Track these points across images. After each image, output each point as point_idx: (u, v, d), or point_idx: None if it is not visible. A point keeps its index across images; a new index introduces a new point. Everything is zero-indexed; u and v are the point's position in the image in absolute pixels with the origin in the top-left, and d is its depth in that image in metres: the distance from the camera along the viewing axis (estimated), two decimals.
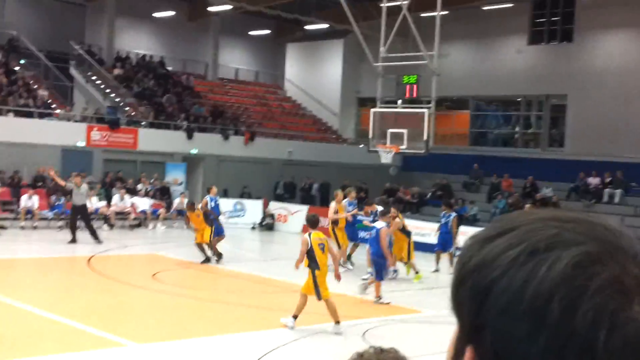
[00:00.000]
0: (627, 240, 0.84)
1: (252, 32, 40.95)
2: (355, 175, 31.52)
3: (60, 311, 12.08)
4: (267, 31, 41.26)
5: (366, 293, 14.73)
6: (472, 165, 31.97)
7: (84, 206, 20.92)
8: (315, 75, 39.73)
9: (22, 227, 23.60)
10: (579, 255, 0.80)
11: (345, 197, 19.72)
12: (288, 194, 31.85)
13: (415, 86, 24.95)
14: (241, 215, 28.63)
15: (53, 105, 29.30)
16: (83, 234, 21.75)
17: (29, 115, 27.37)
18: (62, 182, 21.86)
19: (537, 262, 0.81)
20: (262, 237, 26.91)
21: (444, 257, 18.91)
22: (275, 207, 29.03)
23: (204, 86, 37.29)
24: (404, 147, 24.66)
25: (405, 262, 17.70)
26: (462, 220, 21.87)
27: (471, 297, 0.85)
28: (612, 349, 0.77)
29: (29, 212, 23.95)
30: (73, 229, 20.85)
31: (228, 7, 34.36)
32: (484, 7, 33.10)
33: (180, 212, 24.97)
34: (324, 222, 19.35)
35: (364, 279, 16.97)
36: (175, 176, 29.48)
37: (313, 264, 11.61)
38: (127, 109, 31.17)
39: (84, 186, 21.04)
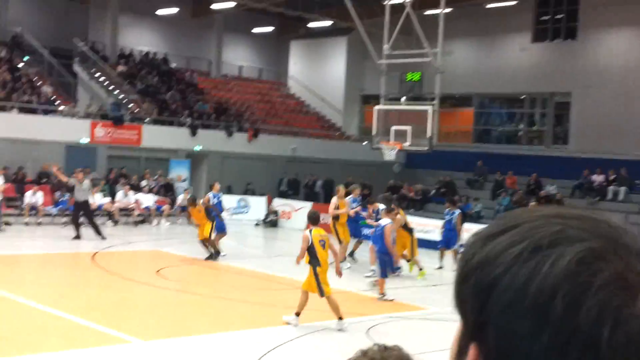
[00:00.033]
0: (631, 237, 0.84)
1: (255, 30, 40.94)
2: (358, 172, 31.50)
3: (65, 307, 12.10)
4: (271, 28, 41.25)
5: (375, 285, 14.66)
6: (476, 162, 31.95)
7: (86, 202, 20.93)
8: (319, 73, 39.72)
9: (27, 223, 23.66)
10: (583, 251, 0.81)
11: (349, 193, 19.72)
12: (292, 190, 31.87)
13: (417, 83, 24.94)
14: (245, 211, 28.66)
15: (57, 102, 29.33)
16: (87, 230, 21.78)
17: (33, 111, 27.42)
18: (64, 178, 21.90)
19: (541, 259, 0.81)
20: (265, 234, 26.94)
21: (448, 254, 18.91)
22: (279, 203, 29.05)
23: (207, 83, 37.30)
24: (407, 144, 24.66)
25: (409, 259, 17.71)
26: (466, 217, 21.86)
27: (474, 294, 0.85)
28: (616, 346, 0.78)
29: (33, 208, 24.00)
30: (76, 225, 20.87)
31: (232, 4, 34.35)
32: (488, 4, 33.06)
33: (184, 209, 25.00)
34: (328, 218, 19.40)
35: (367, 276, 17.00)
36: (179, 173, 29.51)
37: (314, 260, 11.63)
38: (130, 105, 31.19)
39: (86, 182, 21.05)
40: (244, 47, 41.70)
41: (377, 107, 26.08)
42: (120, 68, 33.44)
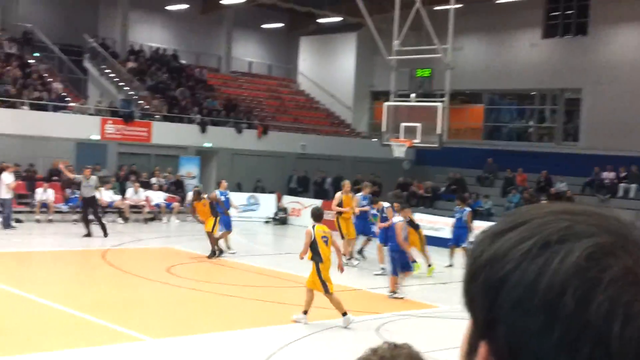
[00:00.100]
0: (639, 232, 0.85)
1: (265, 25, 40.93)
2: (368, 169, 31.50)
3: (75, 305, 12.15)
4: (281, 24, 41.22)
5: (399, 291, 14.46)
6: (486, 159, 31.85)
7: (93, 198, 21.00)
8: (329, 69, 39.68)
9: (38, 221, 23.75)
10: (592, 247, 0.80)
11: (359, 190, 19.71)
12: (301, 187, 31.86)
13: (427, 80, 24.87)
14: (254, 209, 28.68)
15: (67, 98, 29.42)
16: (97, 227, 21.86)
17: (44, 108, 27.50)
18: (70, 175, 21.99)
19: (550, 255, 0.81)
20: (275, 231, 26.96)
21: (458, 251, 18.86)
22: (288, 201, 29.06)
23: (217, 79, 37.32)
24: (417, 141, 24.61)
25: (413, 261, 17.65)
26: (476, 214, 21.80)
27: (484, 292, 0.84)
28: (627, 341, 0.77)
29: (44, 205, 24.08)
30: (86, 222, 20.95)
31: (241, 0, 34.35)
32: (498, 0, 32.93)
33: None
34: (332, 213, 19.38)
35: (376, 274, 17.00)
36: (188, 169, 29.55)
37: (316, 257, 11.64)
38: (140, 102, 31.26)
39: (93, 178, 21.11)
40: (254, 43, 41.70)
41: (386, 104, 26.03)
42: (130, 64, 33.50)
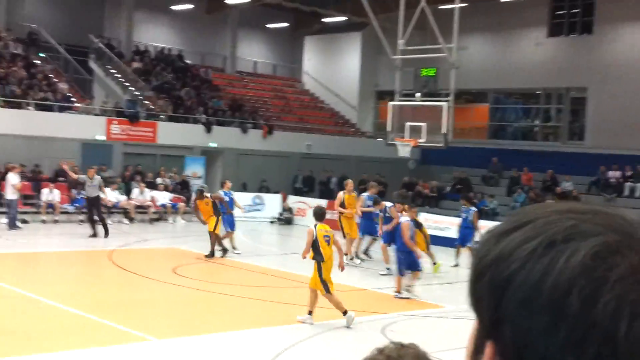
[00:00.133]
0: None
1: (270, 25, 40.95)
2: (373, 169, 31.50)
3: (81, 305, 12.17)
4: (285, 24, 41.23)
5: (411, 292, 14.38)
6: (491, 158, 31.81)
7: (98, 197, 21.05)
8: (334, 68, 39.67)
9: (44, 221, 23.79)
10: (598, 246, 0.80)
11: (364, 190, 19.69)
12: (307, 187, 31.85)
13: (432, 79, 24.84)
14: (260, 209, 28.68)
15: (73, 99, 29.47)
16: (99, 227, 21.92)
17: (49, 108, 27.55)
18: (74, 176, 22.04)
19: (555, 254, 0.81)
20: (280, 231, 26.96)
21: (464, 251, 18.84)
22: (293, 201, 29.06)
23: (222, 79, 37.35)
24: (422, 140, 24.59)
25: (434, 262, 17.64)
26: (481, 214, 21.77)
27: (489, 292, 0.84)
28: (633, 340, 0.77)
29: (50, 205, 24.13)
30: (92, 222, 21.00)
31: None
32: None
33: None
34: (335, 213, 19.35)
35: (382, 274, 16.98)
36: (194, 170, 29.58)
37: (318, 256, 11.65)
38: (146, 102, 31.30)
39: (97, 178, 21.16)
40: (259, 43, 41.72)
41: (391, 103, 26.01)
42: (136, 64, 33.55)
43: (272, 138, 32.25)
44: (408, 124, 24.82)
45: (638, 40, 30.36)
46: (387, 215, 17.74)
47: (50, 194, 24.12)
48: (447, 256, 19.10)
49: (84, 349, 9.81)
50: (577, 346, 0.78)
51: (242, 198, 27.58)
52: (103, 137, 27.89)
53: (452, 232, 21.24)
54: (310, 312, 11.74)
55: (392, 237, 17.11)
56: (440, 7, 27.95)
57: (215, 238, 18.23)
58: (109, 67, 32.90)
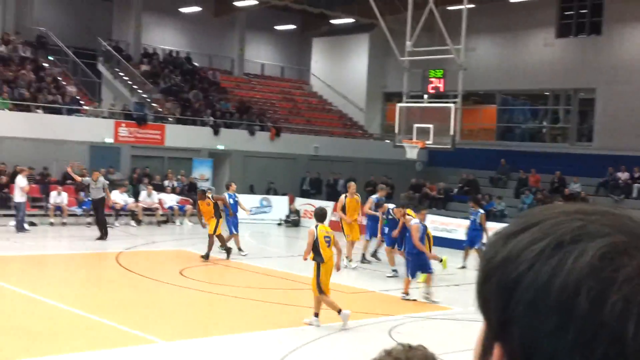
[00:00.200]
0: None
1: (277, 27, 41.00)
2: (381, 171, 31.47)
3: (89, 307, 12.19)
4: (293, 26, 41.27)
5: (431, 297, 14.27)
6: (499, 160, 31.73)
7: (102, 199, 21.13)
8: (341, 70, 39.67)
9: (52, 224, 23.85)
10: (605, 246, 0.80)
11: (373, 192, 19.66)
12: (314, 189, 31.84)
13: (439, 80, 24.80)
14: (267, 211, 28.69)
15: (81, 102, 29.57)
16: (112, 230, 21.96)
17: (58, 111, 27.64)
18: (78, 178, 22.15)
19: (563, 255, 0.80)
20: (287, 233, 26.94)
21: (472, 253, 18.78)
22: (301, 203, 29.05)
23: (230, 82, 37.41)
24: (430, 142, 24.54)
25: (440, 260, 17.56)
26: (489, 215, 21.71)
27: (497, 293, 0.84)
28: None
29: (58, 208, 24.19)
30: (102, 225, 21.06)
31: (254, 2, 34.43)
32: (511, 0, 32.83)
33: None
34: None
35: (388, 277, 16.96)
36: (201, 172, 29.62)
37: (318, 257, 11.63)
38: (154, 105, 31.37)
39: (101, 180, 21.26)
40: (266, 45, 41.77)
41: (399, 105, 25.97)
42: (144, 67, 33.64)
43: (280, 140, 32.26)
44: (416, 125, 24.78)
45: None
46: (390, 217, 17.72)
47: (59, 197, 24.19)
48: (454, 258, 19.05)
49: (91, 350, 9.83)
50: (585, 347, 0.78)
51: (250, 200, 27.61)
52: (111, 140, 27.97)
53: (460, 234, 21.19)
54: (316, 314, 11.73)
55: (396, 239, 17.14)
56: (448, 8, 27.91)
57: (213, 241, 18.12)
58: (117, 69, 33.00)
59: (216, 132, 30.59)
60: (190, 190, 28.18)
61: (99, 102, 31.04)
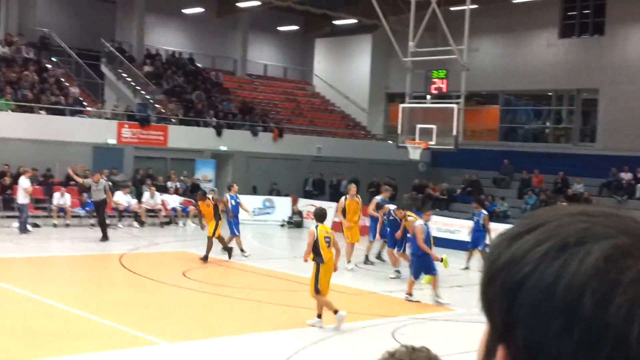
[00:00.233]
0: None
1: (280, 28, 41.02)
2: (384, 172, 31.46)
3: (92, 309, 12.20)
4: (296, 27, 41.28)
5: (441, 300, 14.17)
6: (502, 160, 31.71)
7: (104, 201, 21.16)
8: (344, 71, 39.67)
9: (55, 225, 23.86)
10: (610, 248, 0.80)
11: (377, 192, 19.64)
12: (317, 190, 31.85)
13: (442, 81, 24.78)
14: (270, 212, 28.69)
15: (84, 103, 29.60)
16: (115, 232, 21.97)
17: (61, 113, 27.68)
18: (80, 180, 22.18)
19: (568, 257, 0.80)
20: (290, 234, 26.93)
21: (476, 254, 18.76)
22: (304, 204, 29.03)
23: (232, 82, 37.44)
24: (433, 143, 24.52)
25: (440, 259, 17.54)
26: (492, 216, 21.69)
27: (502, 295, 0.84)
28: None
29: (62, 209, 24.21)
30: (102, 226, 21.08)
31: (257, 3, 34.45)
32: (514, 0, 32.79)
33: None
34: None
35: (392, 278, 16.94)
36: (204, 173, 29.63)
37: (317, 257, 11.61)
38: (157, 106, 31.39)
39: (102, 182, 21.29)
40: (269, 46, 41.79)
41: (402, 106, 25.96)
42: (147, 68, 33.67)
43: (283, 141, 32.27)
44: (419, 126, 24.77)
45: None
46: (391, 218, 17.71)
47: (62, 198, 24.21)
48: (457, 259, 19.04)
49: (94, 352, 9.83)
50: (590, 349, 0.77)
51: (252, 201, 27.62)
52: (114, 141, 27.99)
53: (463, 235, 21.17)
54: (319, 316, 11.72)
55: (397, 240, 17.16)
56: (451, 9, 27.88)
57: (212, 243, 18.07)
58: (120, 71, 33.04)
59: (219, 133, 30.61)
60: (193, 192, 28.15)
61: (102, 103, 31.08)
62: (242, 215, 19.84)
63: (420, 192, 29.93)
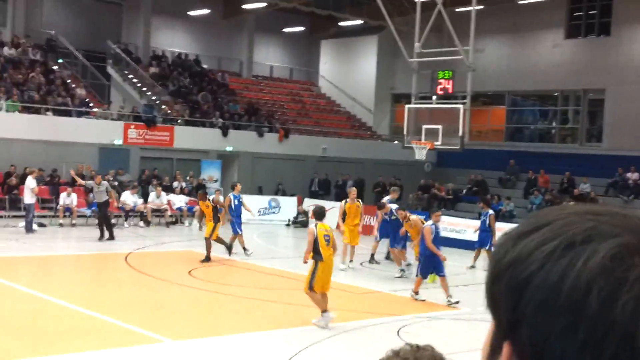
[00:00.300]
0: None
1: (286, 29, 41.04)
2: (389, 172, 31.46)
3: (98, 307, 12.23)
4: (302, 28, 41.31)
5: (452, 300, 14.05)
6: (508, 161, 31.66)
7: (106, 202, 21.24)
8: (350, 72, 39.67)
9: (61, 225, 23.95)
10: (616, 247, 0.80)
11: (381, 193, 19.63)
12: (322, 190, 31.85)
13: (448, 82, 24.76)
14: (276, 212, 28.72)
15: (90, 104, 29.68)
16: (121, 231, 22.03)
17: (67, 114, 27.77)
18: (81, 182, 22.27)
19: (574, 255, 0.81)
20: (296, 234, 26.94)
21: (483, 254, 18.75)
22: (309, 204, 29.01)
23: (238, 84, 37.49)
24: (438, 143, 24.50)
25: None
26: (498, 216, 21.67)
27: (507, 293, 0.84)
28: None
29: (68, 209, 24.29)
30: (107, 225, 21.15)
31: (262, 4, 34.48)
32: (520, 1, 32.75)
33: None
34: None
35: (397, 277, 16.95)
36: (210, 173, 29.68)
37: (317, 255, 11.60)
38: (163, 107, 31.46)
39: (104, 183, 21.39)
40: (275, 47, 41.83)
41: (408, 106, 25.95)
42: (153, 69, 33.74)
43: (288, 141, 32.30)
44: (424, 126, 24.74)
45: None
46: (392, 218, 17.71)
47: (68, 198, 24.29)
48: (462, 258, 19.03)
49: (99, 350, 9.87)
50: (596, 347, 0.78)
51: (258, 201, 27.66)
52: (120, 142, 28.07)
53: (468, 235, 21.14)
54: (325, 311, 11.70)
55: (399, 237, 17.20)
56: (457, 10, 27.87)
57: (210, 243, 18.04)
58: (126, 72, 33.12)
59: (225, 134, 30.65)
60: (198, 192, 28.24)
61: (108, 105, 31.16)
62: (246, 215, 19.84)
63: (426, 192, 29.93)
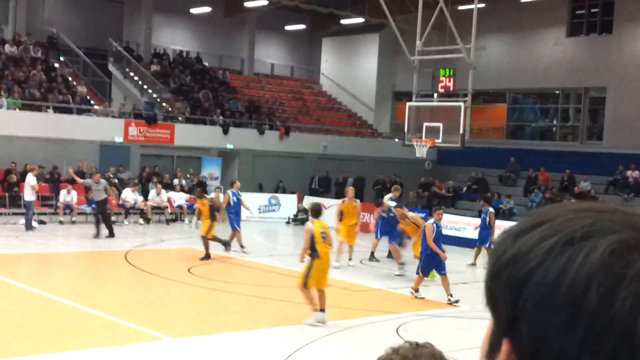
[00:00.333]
0: None
1: (287, 27, 41.03)
2: (390, 170, 31.46)
3: (97, 305, 12.24)
4: (303, 26, 41.29)
5: (453, 300, 13.99)
6: (508, 158, 31.66)
7: (104, 201, 21.27)
8: (351, 70, 39.66)
9: (61, 222, 23.96)
10: (615, 243, 0.80)
11: (381, 191, 19.63)
12: (323, 188, 31.87)
13: (449, 79, 24.73)
14: (276, 209, 28.73)
15: (91, 102, 29.70)
16: (120, 229, 22.03)
17: (68, 111, 27.78)
18: (80, 180, 22.30)
19: (573, 252, 0.81)
20: (296, 232, 26.91)
21: (483, 251, 18.77)
22: (309, 201, 29.04)
23: (239, 81, 37.48)
24: (439, 141, 24.49)
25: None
26: (498, 214, 21.68)
27: (507, 290, 0.84)
28: None
29: (68, 207, 24.30)
30: (107, 223, 21.18)
31: (264, 2, 34.46)
32: None
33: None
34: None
35: (397, 275, 16.95)
36: (211, 171, 29.69)
37: (313, 253, 11.59)
38: (164, 104, 31.46)
39: (102, 181, 21.47)
40: (276, 45, 41.82)
41: (409, 104, 25.93)
42: (154, 67, 33.75)
43: (289, 139, 32.30)
44: (425, 124, 24.73)
45: None
46: (390, 215, 17.71)
47: (68, 196, 24.30)
48: (462, 256, 19.04)
49: (99, 347, 9.87)
50: (595, 343, 0.78)
51: (258, 198, 27.67)
52: (121, 139, 28.09)
53: (469, 232, 21.15)
54: (322, 310, 11.70)
55: (396, 233, 17.24)
56: (459, 8, 27.83)
57: (207, 241, 18.07)
58: (127, 70, 33.12)
59: (225, 132, 30.65)
60: (196, 189, 28.27)
61: (109, 102, 31.18)
62: (245, 212, 19.86)
63: (426, 190, 29.93)
